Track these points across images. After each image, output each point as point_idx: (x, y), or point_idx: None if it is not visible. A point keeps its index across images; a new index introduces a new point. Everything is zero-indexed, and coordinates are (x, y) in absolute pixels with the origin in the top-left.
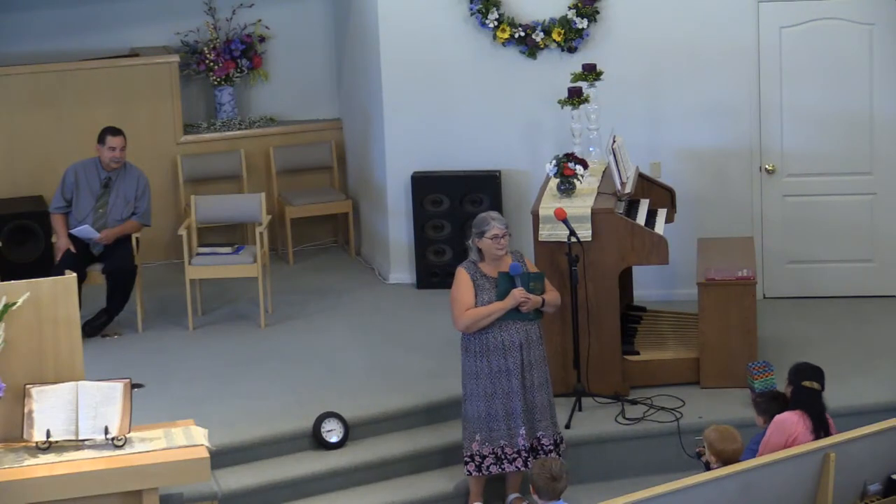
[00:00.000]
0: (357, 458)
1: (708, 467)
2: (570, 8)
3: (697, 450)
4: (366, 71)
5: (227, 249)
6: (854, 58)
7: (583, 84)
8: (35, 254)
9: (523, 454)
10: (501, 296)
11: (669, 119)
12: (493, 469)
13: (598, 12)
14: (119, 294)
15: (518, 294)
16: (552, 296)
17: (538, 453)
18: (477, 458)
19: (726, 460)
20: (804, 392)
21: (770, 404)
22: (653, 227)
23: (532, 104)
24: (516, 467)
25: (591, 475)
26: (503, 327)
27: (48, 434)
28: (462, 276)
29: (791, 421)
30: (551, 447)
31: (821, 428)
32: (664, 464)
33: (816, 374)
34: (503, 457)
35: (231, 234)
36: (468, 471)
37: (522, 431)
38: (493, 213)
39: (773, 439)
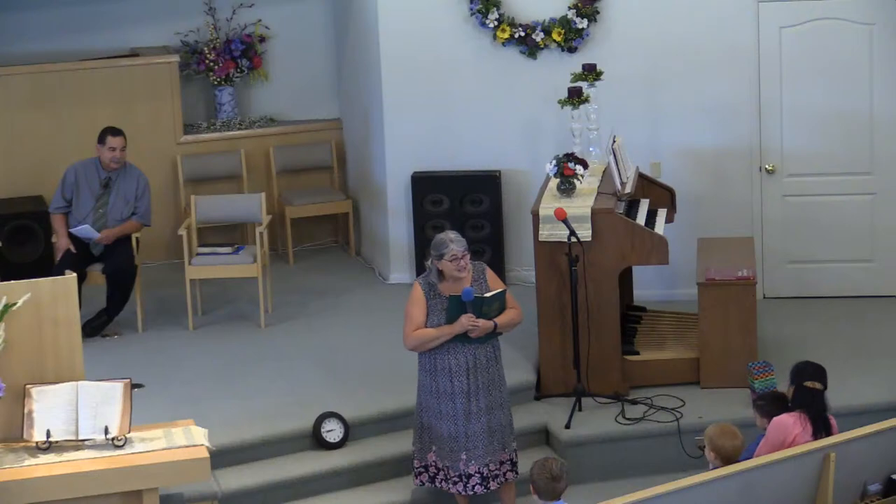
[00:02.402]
0: (357, 458)
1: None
2: (570, 8)
3: (700, 446)
4: (366, 71)
5: (227, 249)
6: (854, 58)
7: (583, 84)
8: (35, 254)
9: (463, 478)
10: (451, 320)
11: (669, 119)
12: (427, 485)
13: (598, 12)
14: (119, 294)
15: (465, 321)
16: (508, 317)
17: (488, 481)
18: (418, 467)
19: (726, 458)
20: (805, 392)
21: (771, 406)
22: (653, 227)
23: (532, 104)
24: (457, 491)
25: (591, 475)
26: (451, 350)
27: (48, 434)
28: (416, 291)
29: (788, 423)
30: (497, 471)
31: (822, 429)
32: (664, 464)
33: (818, 373)
34: (445, 478)
35: (231, 234)
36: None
37: (464, 456)
38: (452, 234)
39: (770, 440)
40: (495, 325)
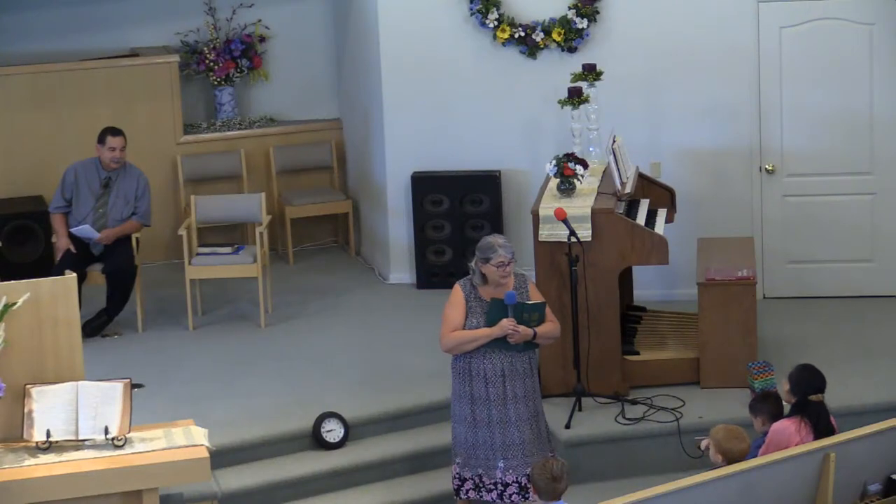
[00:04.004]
0: (357, 458)
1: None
2: (570, 8)
3: (699, 446)
4: (366, 71)
5: (227, 249)
6: (854, 58)
7: (583, 84)
8: (35, 254)
9: (500, 487)
10: (490, 322)
11: (669, 119)
12: (472, 494)
13: (598, 12)
14: (119, 294)
15: (506, 324)
16: (547, 328)
17: (526, 490)
18: (457, 480)
19: (731, 460)
20: (810, 406)
21: (764, 405)
22: (653, 227)
23: (532, 104)
24: (491, 499)
25: (591, 475)
26: (487, 355)
27: (48, 434)
28: (457, 294)
29: (790, 431)
30: (526, 481)
31: (825, 436)
32: (664, 464)
33: (820, 383)
34: (481, 485)
35: (231, 234)
36: (454, 489)
37: (501, 464)
38: (500, 240)
39: (771, 449)
40: (534, 335)
